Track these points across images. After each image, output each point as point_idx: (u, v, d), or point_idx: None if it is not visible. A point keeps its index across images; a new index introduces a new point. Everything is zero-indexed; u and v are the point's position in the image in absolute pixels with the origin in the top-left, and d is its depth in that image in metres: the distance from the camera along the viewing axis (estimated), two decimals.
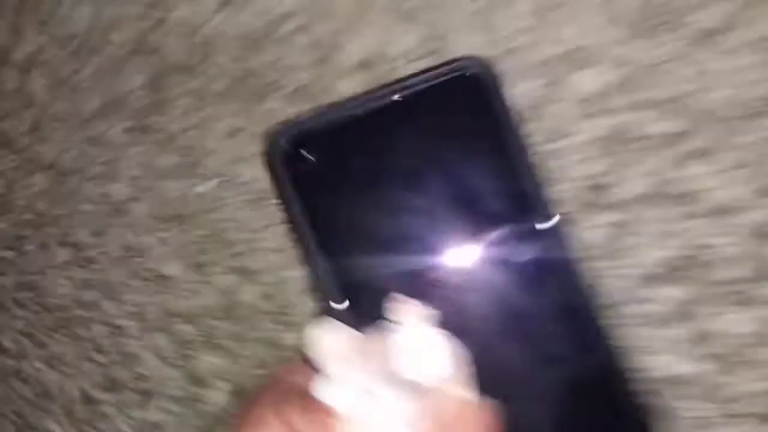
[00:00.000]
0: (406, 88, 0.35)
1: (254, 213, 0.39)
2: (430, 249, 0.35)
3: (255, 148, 0.39)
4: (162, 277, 0.43)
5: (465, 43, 0.37)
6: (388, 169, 0.35)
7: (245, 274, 0.41)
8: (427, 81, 0.35)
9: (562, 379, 0.33)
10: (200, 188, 0.41)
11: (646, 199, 0.33)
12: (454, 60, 0.36)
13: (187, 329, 0.43)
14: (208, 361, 0.44)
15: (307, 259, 0.35)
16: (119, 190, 0.44)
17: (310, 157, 0.36)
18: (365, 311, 0.33)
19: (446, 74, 0.35)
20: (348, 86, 0.39)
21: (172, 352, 0.45)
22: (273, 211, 0.39)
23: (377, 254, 0.35)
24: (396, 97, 0.35)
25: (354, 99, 0.36)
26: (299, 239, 0.36)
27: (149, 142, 0.42)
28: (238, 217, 0.40)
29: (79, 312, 0.48)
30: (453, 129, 0.36)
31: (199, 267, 0.42)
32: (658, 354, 0.34)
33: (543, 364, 0.34)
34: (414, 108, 0.35)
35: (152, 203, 0.43)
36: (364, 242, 0.36)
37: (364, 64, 0.39)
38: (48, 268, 0.48)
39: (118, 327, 0.46)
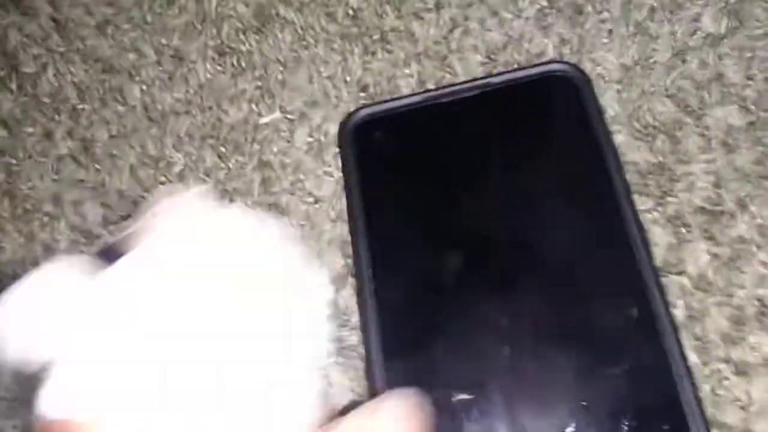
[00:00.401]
0: (496, 84, 0.36)
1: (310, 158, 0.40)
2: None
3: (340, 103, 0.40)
4: None
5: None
6: (463, 162, 0.35)
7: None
8: (518, 79, 0.36)
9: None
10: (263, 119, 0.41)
11: None
12: (546, 62, 0.37)
13: None
14: None
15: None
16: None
17: (384, 140, 0.36)
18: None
19: (537, 75, 0.37)
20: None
21: None
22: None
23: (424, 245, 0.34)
24: (484, 90, 0.37)
25: (439, 90, 0.37)
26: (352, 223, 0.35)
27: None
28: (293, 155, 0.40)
29: None
30: (540, 127, 0.35)
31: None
32: None
33: None
34: (502, 103, 0.36)
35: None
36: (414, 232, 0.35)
37: None
38: None
39: None
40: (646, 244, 0.31)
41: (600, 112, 0.35)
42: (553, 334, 0.30)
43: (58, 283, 0.20)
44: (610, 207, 0.32)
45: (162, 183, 0.41)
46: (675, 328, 0.30)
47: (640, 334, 0.30)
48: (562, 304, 0.31)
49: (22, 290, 0.20)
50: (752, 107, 0.35)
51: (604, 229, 0.32)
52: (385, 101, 0.37)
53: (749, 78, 0.36)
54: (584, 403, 0.29)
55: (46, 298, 0.20)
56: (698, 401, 0.28)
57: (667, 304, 0.30)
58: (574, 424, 0.29)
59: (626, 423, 0.28)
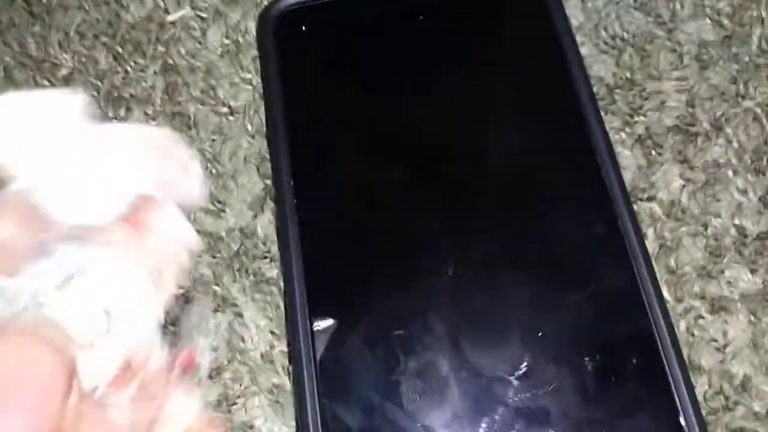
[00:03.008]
0: None
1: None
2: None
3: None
4: None
5: None
6: (405, 65, 0.30)
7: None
8: None
9: None
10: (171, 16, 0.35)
11: None
12: None
13: None
14: None
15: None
16: None
17: (311, 37, 0.30)
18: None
19: None
20: None
21: None
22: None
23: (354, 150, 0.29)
24: None
25: None
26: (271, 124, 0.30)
27: None
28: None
29: None
30: (495, 27, 0.30)
31: None
32: None
33: None
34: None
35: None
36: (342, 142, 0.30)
37: None
38: None
39: None
40: (613, 158, 0.27)
41: (563, 13, 0.30)
42: (508, 258, 0.26)
43: None
44: (573, 118, 0.28)
45: (43, 87, 0.34)
46: (645, 251, 0.26)
47: (606, 257, 0.25)
48: (518, 224, 0.27)
49: None
50: (726, 22, 0.32)
51: (566, 142, 0.28)
52: None
53: None
54: (540, 335, 0.25)
55: None
56: (671, 331, 0.24)
57: (637, 224, 0.26)
58: (528, 359, 0.24)
59: (589, 357, 0.24)
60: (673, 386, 0.24)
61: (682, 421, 0.23)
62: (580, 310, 0.25)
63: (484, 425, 0.23)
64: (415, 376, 0.24)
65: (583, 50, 0.31)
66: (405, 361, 0.25)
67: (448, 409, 0.24)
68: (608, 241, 0.26)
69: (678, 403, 0.24)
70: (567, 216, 0.27)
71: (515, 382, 0.24)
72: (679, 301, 0.26)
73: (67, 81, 0.34)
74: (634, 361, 0.24)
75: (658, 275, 0.26)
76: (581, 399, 0.24)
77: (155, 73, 0.33)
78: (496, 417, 0.23)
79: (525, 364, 0.24)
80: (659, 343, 0.24)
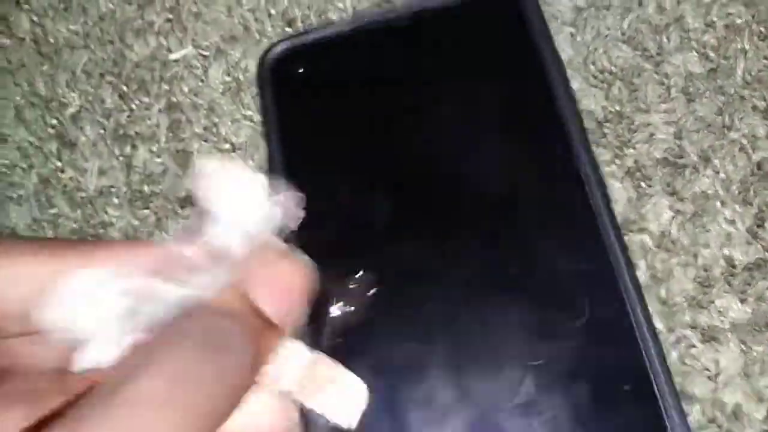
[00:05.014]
0: (434, 7, 0.32)
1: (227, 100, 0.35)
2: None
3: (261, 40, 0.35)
4: None
5: None
6: (398, 101, 0.31)
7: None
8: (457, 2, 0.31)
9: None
10: (173, 55, 0.36)
11: None
12: None
13: None
14: None
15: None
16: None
17: (308, 77, 0.31)
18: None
19: None
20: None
21: None
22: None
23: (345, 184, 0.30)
24: (420, 15, 0.32)
25: (367, 16, 0.32)
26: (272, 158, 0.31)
27: None
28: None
29: None
30: (482, 58, 0.31)
31: None
32: None
33: None
34: (442, 31, 0.31)
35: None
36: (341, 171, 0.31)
37: None
38: None
39: None
40: (603, 191, 0.28)
41: (550, 41, 0.31)
42: (501, 290, 0.27)
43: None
44: (564, 152, 0.29)
45: (53, 126, 0.35)
46: (636, 282, 0.26)
47: (598, 288, 0.26)
48: (511, 256, 0.27)
49: None
50: (712, 54, 0.32)
51: (557, 175, 0.29)
52: (309, 32, 0.33)
53: (708, 25, 0.33)
54: (533, 364, 0.25)
55: None
56: (662, 360, 0.25)
57: (627, 256, 0.27)
58: (522, 388, 0.25)
59: (583, 386, 0.25)
60: (664, 414, 0.24)
61: None
62: (573, 340, 0.26)
63: None
64: (413, 407, 0.25)
65: (574, 84, 0.32)
66: (404, 396, 0.26)
67: None
68: (600, 272, 0.27)
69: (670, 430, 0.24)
70: (559, 247, 0.27)
71: (510, 410, 0.25)
72: (671, 330, 0.27)
73: (74, 119, 0.35)
74: (627, 389, 0.25)
75: (649, 306, 0.27)
76: (576, 426, 0.25)
77: (160, 110, 0.34)
78: None
79: (519, 392, 0.25)
80: (650, 372, 0.25)
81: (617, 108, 0.32)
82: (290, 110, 0.31)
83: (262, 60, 0.32)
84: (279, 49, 0.32)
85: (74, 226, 0.33)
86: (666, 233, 0.29)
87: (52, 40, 0.37)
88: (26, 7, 0.38)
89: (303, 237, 0.28)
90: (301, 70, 0.31)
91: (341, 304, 0.27)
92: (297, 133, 0.30)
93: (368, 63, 0.31)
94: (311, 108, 0.31)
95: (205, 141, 0.33)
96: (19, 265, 0.17)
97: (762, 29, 0.32)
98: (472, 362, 0.26)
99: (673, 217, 0.29)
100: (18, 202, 0.34)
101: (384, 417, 0.26)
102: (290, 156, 0.31)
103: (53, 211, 0.33)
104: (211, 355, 0.16)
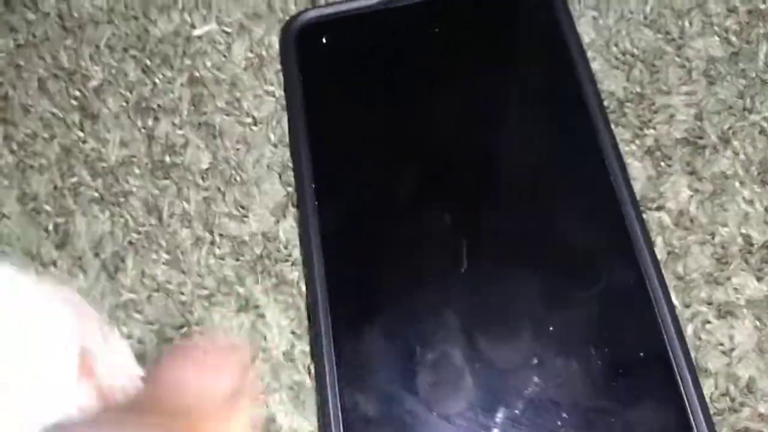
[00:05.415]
0: None
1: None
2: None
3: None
4: None
5: None
6: (421, 75, 0.31)
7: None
8: None
9: None
10: (197, 31, 0.36)
11: None
12: None
13: None
14: None
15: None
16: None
17: (332, 49, 0.31)
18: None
19: None
20: None
21: None
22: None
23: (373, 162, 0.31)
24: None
25: None
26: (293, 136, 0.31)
27: None
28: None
29: None
30: (508, 39, 0.32)
31: None
32: None
33: None
34: (468, 10, 0.32)
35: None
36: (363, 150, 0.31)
37: None
38: None
39: None
40: (623, 169, 0.28)
41: (575, 30, 0.31)
42: (522, 263, 0.27)
43: None
44: (585, 131, 0.29)
45: (75, 98, 0.35)
46: (654, 258, 0.27)
47: (617, 264, 0.27)
48: (533, 232, 0.28)
49: None
50: (734, 39, 0.33)
51: (578, 154, 0.29)
52: (335, 2, 0.33)
53: (730, 10, 0.33)
54: (551, 330, 0.26)
55: None
56: (680, 334, 0.25)
57: (646, 232, 0.27)
58: (539, 353, 0.25)
59: (601, 357, 0.25)
60: (681, 386, 0.25)
61: (690, 419, 0.24)
62: (593, 311, 0.26)
63: (497, 414, 0.24)
64: (431, 369, 0.25)
65: (595, 65, 0.32)
66: (421, 355, 0.26)
67: (462, 399, 0.25)
68: (619, 248, 0.27)
69: (687, 401, 0.24)
70: (580, 223, 0.28)
71: (528, 374, 0.25)
72: (687, 306, 0.27)
73: (97, 92, 0.35)
74: (645, 362, 0.25)
75: (666, 281, 0.27)
76: (592, 393, 0.25)
77: (182, 84, 0.35)
78: (510, 406, 0.24)
79: (537, 357, 0.25)
80: (668, 345, 0.25)
81: (638, 89, 0.32)
82: (312, 81, 0.31)
83: (286, 29, 0.32)
84: (303, 18, 0.32)
85: (95, 194, 0.33)
86: (684, 212, 0.29)
87: (76, 15, 0.37)
88: None
89: (327, 208, 0.29)
90: (324, 40, 0.31)
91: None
92: (319, 104, 0.31)
93: (392, 37, 0.32)
94: (334, 79, 0.31)
95: (227, 115, 0.34)
96: None
97: None
98: (491, 325, 0.26)
99: (692, 196, 0.29)
100: (40, 171, 0.34)
101: (399, 378, 0.26)
102: (311, 127, 0.31)
103: (74, 179, 0.34)
104: None
